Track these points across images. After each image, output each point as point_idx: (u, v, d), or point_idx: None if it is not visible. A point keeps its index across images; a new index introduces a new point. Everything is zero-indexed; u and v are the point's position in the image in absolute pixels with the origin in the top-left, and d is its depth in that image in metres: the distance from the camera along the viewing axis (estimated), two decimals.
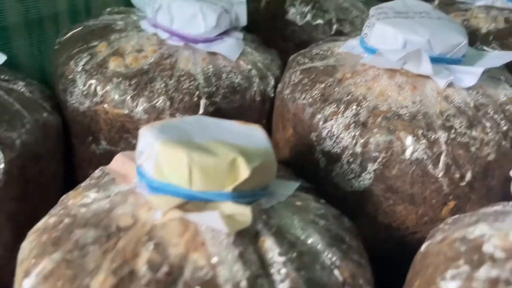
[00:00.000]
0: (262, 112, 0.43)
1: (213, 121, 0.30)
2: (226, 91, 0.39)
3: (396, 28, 0.35)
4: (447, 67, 0.35)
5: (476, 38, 0.48)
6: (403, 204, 0.34)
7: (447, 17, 0.38)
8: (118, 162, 0.30)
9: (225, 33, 0.44)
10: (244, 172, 0.25)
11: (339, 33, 0.54)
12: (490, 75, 0.37)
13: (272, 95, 0.43)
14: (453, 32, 0.35)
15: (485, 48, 0.47)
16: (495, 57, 0.37)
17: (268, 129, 0.44)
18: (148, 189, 0.26)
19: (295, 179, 0.35)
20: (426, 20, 0.36)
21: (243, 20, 0.47)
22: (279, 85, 0.41)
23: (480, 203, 0.34)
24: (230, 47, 0.42)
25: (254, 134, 0.29)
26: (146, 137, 0.26)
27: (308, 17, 0.54)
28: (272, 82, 0.43)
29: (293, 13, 0.55)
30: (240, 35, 0.45)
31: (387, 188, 0.34)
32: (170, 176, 0.25)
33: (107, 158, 0.34)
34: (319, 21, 0.54)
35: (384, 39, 0.35)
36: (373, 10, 0.38)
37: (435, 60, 0.35)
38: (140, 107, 0.37)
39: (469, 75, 0.34)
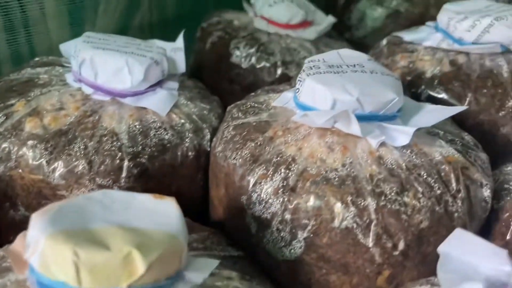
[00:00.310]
0: (197, 167, 0.41)
1: (123, 196, 0.27)
2: (153, 150, 0.37)
3: (326, 87, 0.33)
4: (380, 125, 0.34)
5: (421, 82, 0.46)
6: (336, 273, 0.32)
7: (382, 69, 0.36)
8: (20, 243, 0.28)
9: (159, 83, 0.41)
10: (140, 267, 0.22)
11: (285, 76, 0.52)
12: (427, 130, 0.36)
13: (209, 148, 0.41)
14: (385, 88, 0.33)
15: (430, 92, 0.46)
16: (433, 112, 0.36)
17: (206, 183, 0.42)
18: (36, 285, 0.23)
19: (223, 247, 0.33)
20: (359, 75, 0.35)
21: (182, 67, 0.45)
22: (214, 140, 0.39)
23: (417, 269, 0.32)
24: (160, 101, 0.40)
25: (165, 212, 0.27)
26: (34, 227, 0.24)
27: (253, 60, 0.52)
28: (208, 135, 0.41)
29: (237, 56, 0.53)
30: (175, 84, 0.43)
31: (319, 257, 0.32)
32: (57, 273, 0.22)
33: (27, 224, 0.31)
34: (264, 64, 0.52)
35: (314, 97, 0.34)
36: (306, 63, 0.37)
37: (366, 118, 0.33)
38: (57, 173, 0.35)
39: (402, 134, 0.33)
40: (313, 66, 0.36)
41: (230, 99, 0.49)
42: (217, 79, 0.55)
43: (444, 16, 0.49)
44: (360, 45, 0.67)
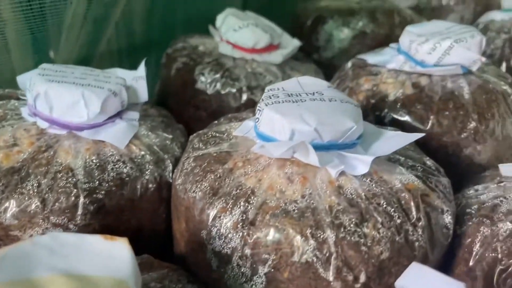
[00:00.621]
0: (159, 200, 0.40)
1: (72, 239, 0.26)
2: (111, 184, 0.36)
3: (284, 117, 0.33)
4: (340, 154, 0.33)
5: (384, 105, 0.47)
6: None
7: (342, 96, 0.36)
8: None
9: (118, 114, 0.41)
10: None
11: (250, 101, 0.52)
12: (388, 156, 0.36)
13: (171, 180, 0.40)
14: (343, 116, 0.33)
15: (393, 115, 0.46)
16: (394, 138, 0.35)
17: (169, 216, 0.41)
18: None
19: (182, 286, 0.32)
20: (317, 104, 0.34)
21: (144, 96, 0.44)
22: (175, 171, 0.39)
23: None
24: (119, 133, 0.39)
25: (116, 255, 0.26)
26: None
27: (218, 86, 0.52)
28: (170, 166, 0.40)
29: (202, 82, 0.52)
30: (135, 115, 0.42)
31: None
32: None
33: None
34: (229, 89, 0.52)
35: (273, 127, 0.33)
36: (265, 92, 0.36)
37: (325, 148, 0.33)
38: (9, 212, 0.33)
39: (361, 163, 0.32)
40: (272, 95, 0.35)
41: (196, 125, 0.49)
42: (183, 106, 0.54)
43: (406, 38, 0.49)
44: (328, 66, 0.67)
